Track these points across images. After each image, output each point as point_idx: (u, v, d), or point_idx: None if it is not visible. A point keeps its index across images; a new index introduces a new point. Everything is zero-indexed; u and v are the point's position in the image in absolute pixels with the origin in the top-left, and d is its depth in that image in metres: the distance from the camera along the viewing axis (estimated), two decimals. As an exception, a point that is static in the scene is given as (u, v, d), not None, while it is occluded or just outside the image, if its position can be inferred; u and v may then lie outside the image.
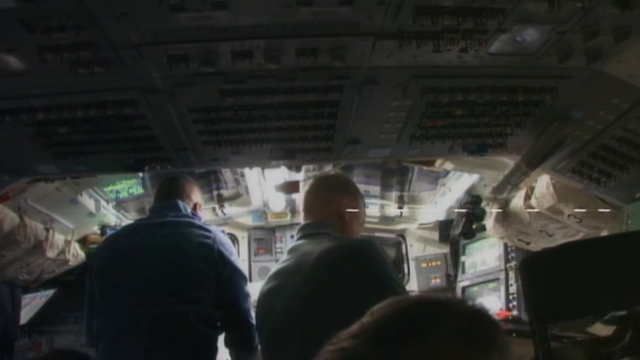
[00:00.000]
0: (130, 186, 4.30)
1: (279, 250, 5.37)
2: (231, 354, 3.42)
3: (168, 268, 2.93)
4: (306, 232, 2.66)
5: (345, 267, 2.30)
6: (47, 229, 3.65)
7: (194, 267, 2.96)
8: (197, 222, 3.19)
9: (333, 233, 2.59)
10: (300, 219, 5.31)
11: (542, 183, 3.27)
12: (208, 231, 3.11)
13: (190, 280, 2.94)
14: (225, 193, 4.88)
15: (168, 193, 3.33)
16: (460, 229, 4.24)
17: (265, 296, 2.57)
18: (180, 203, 3.25)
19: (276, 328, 2.43)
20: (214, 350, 3.05)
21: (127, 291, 2.90)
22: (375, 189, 4.95)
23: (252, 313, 3.22)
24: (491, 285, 4.50)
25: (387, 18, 1.84)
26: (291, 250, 2.64)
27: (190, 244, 3.02)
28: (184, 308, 2.87)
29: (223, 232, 3.33)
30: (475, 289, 4.67)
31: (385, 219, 5.21)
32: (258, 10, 1.78)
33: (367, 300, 2.21)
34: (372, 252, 2.37)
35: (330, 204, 2.71)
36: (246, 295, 3.16)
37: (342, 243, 2.47)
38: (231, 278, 3.06)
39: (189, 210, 3.27)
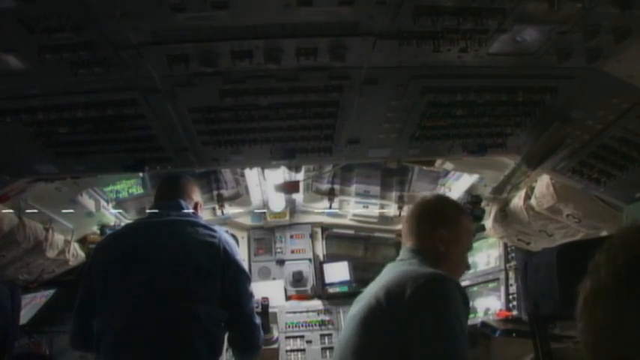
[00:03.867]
0: (130, 186, 4.30)
1: (278, 250, 5.36)
2: (234, 353, 3.41)
3: (175, 267, 2.91)
4: (401, 256, 2.62)
5: (405, 297, 2.22)
6: (47, 229, 3.64)
7: (201, 266, 2.94)
8: (201, 221, 3.18)
9: (425, 261, 2.49)
10: (300, 219, 5.39)
11: (542, 183, 3.27)
12: (213, 230, 3.10)
13: (197, 279, 2.92)
14: (225, 193, 4.89)
15: (170, 192, 3.31)
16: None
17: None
18: (183, 202, 3.24)
19: (342, 337, 2.53)
20: (220, 349, 3.03)
21: (133, 289, 2.85)
22: (375, 189, 4.96)
23: (256, 313, 3.22)
24: (491, 285, 4.49)
25: (387, 18, 1.84)
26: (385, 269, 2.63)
27: (196, 242, 3.00)
28: (192, 307, 2.85)
29: (227, 232, 3.32)
30: (475, 289, 4.66)
31: (385, 219, 5.21)
32: (258, 10, 1.78)
33: (417, 336, 2.17)
34: (442, 292, 2.22)
35: (424, 234, 2.61)
36: (251, 295, 3.15)
37: (416, 273, 2.35)
38: (236, 278, 3.05)
39: (190, 209, 3.26)
